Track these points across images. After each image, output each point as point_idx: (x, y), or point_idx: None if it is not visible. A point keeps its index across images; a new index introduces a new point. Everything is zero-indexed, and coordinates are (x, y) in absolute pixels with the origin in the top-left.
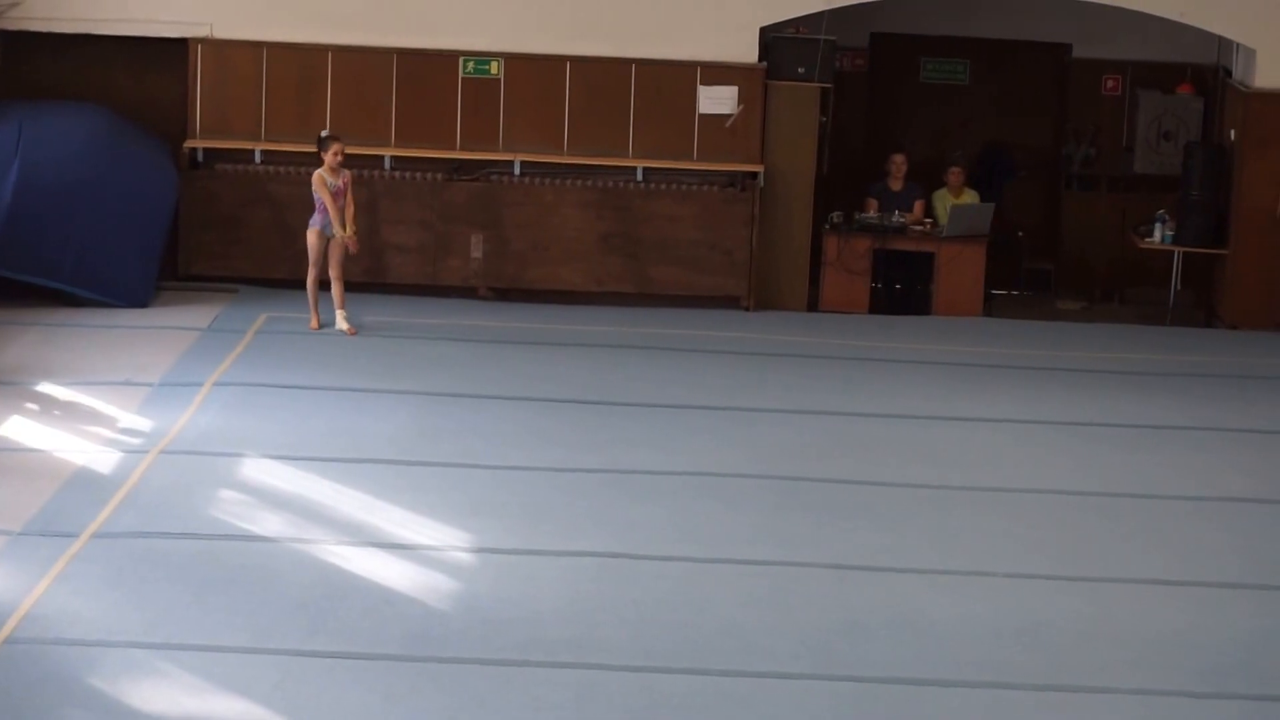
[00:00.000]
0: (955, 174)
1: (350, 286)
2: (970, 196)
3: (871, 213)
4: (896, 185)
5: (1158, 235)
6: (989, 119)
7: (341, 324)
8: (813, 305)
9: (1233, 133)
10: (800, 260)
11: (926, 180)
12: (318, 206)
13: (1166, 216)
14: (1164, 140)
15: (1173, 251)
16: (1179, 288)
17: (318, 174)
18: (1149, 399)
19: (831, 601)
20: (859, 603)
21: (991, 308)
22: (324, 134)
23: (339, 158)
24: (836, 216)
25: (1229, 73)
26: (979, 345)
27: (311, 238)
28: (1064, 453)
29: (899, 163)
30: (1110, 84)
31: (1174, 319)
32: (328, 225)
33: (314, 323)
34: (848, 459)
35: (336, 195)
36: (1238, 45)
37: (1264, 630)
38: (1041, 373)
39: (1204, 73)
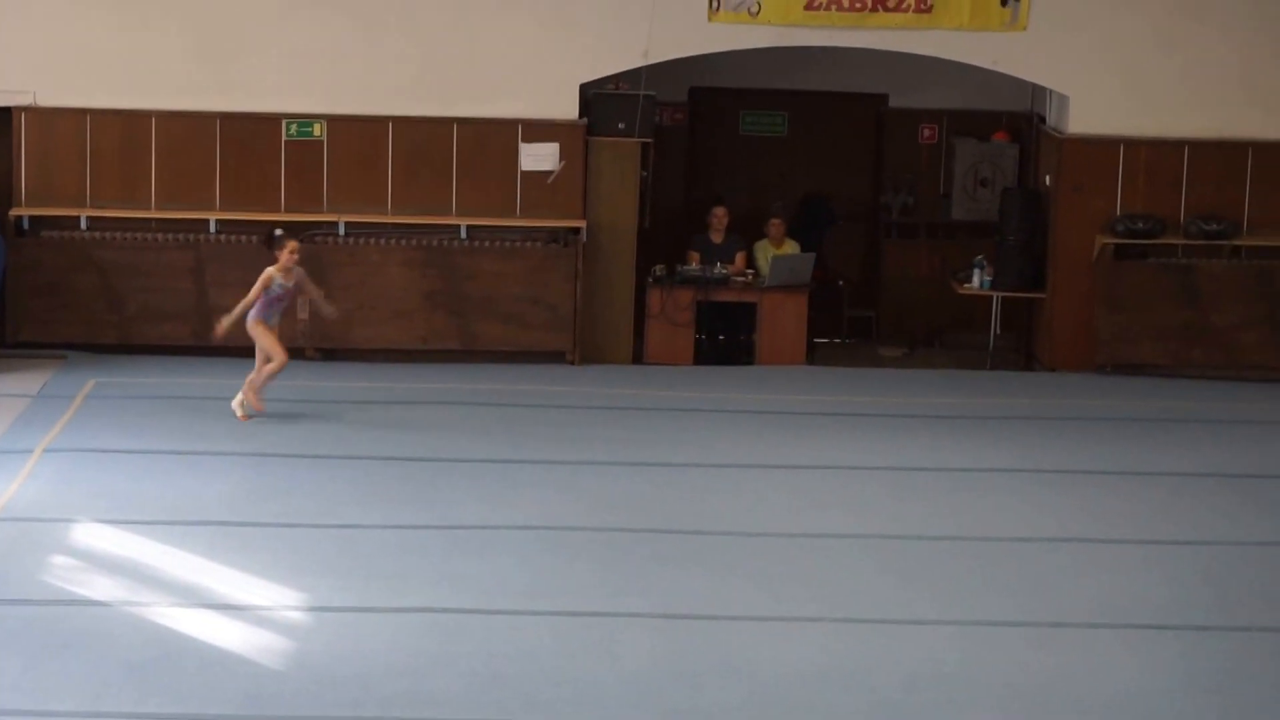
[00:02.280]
0: (776, 225)
1: (178, 350)
2: (791, 247)
3: (694, 265)
4: (718, 237)
5: (976, 281)
6: (808, 170)
7: (250, 405)
8: (638, 358)
9: (1048, 178)
10: (624, 314)
11: (748, 231)
12: (263, 299)
13: (984, 262)
14: (981, 187)
15: (991, 296)
16: (998, 332)
17: (268, 272)
18: (970, 443)
19: (662, 650)
20: (689, 650)
21: (814, 356)
22: (277, 233)
23: (294, 256)
24: (659, 269)
25: (1043, 119)
26: (802, 393)
27: (261, 330)
28: (887, 497)
29: (720, 215)
30: (927, 133)
31: (994, 363)
32: (270, 315)
33: (255, 403)
34: (675, 509)
35: (284, 295)
36: (1051, 92)
37: (1100, 669)
38: (864, 419)
39: (1019, 120)
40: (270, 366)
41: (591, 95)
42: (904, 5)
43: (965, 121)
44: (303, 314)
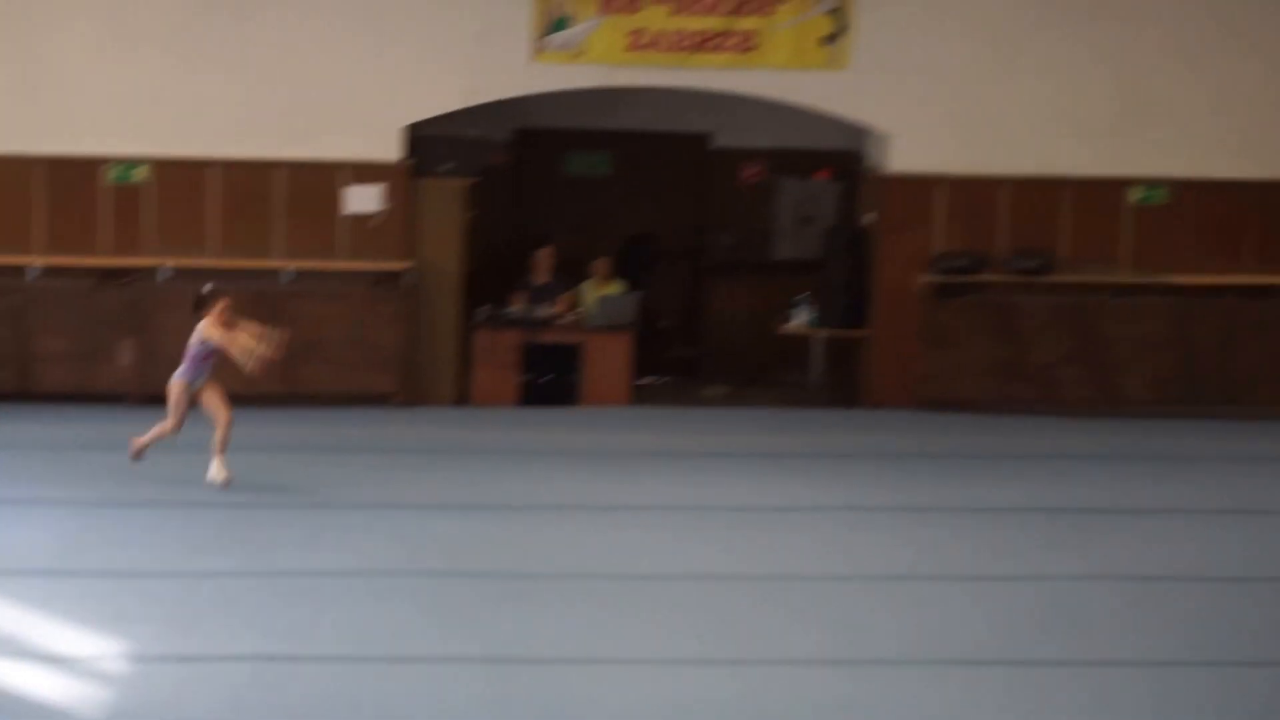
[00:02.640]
0: (600, 265)
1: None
2: (616, 287)
3: (519, 306)
4: (543, 278)
5: (800, 319)
6: (633, 209)
7: (221, 472)
8: (464, 399)
9: (869, 216)
10: (450, 355)
11: (573, 272)
12: (189, 357)
13: (807, 300)
14: (804, 225)
15: (814, 335)
16: (821, 370)
17: (203, 329)
18: (794, 481)
19: (489, 694)
20: (517, 694)
21: (638, 396)
22: (205, 289)
23: (226, 314)
24: (485, 311)
25: (865, 158)
26: (627, 433)
27: (178, 390)
28: (711, 537)
29: (545, 255)
30: (750, 172)
31: (817, 401)
32: (197, 376)
33: (137, 454)
34: (501, 551)
35: (212, 355)
36: (872, 131)
37: (922, 704)
38: (688, 458)
39: (841, 158)
40: (160, 429)
41: (416, 136)
42: (727, 45)
43: (788, 160)
44: (125, 359)
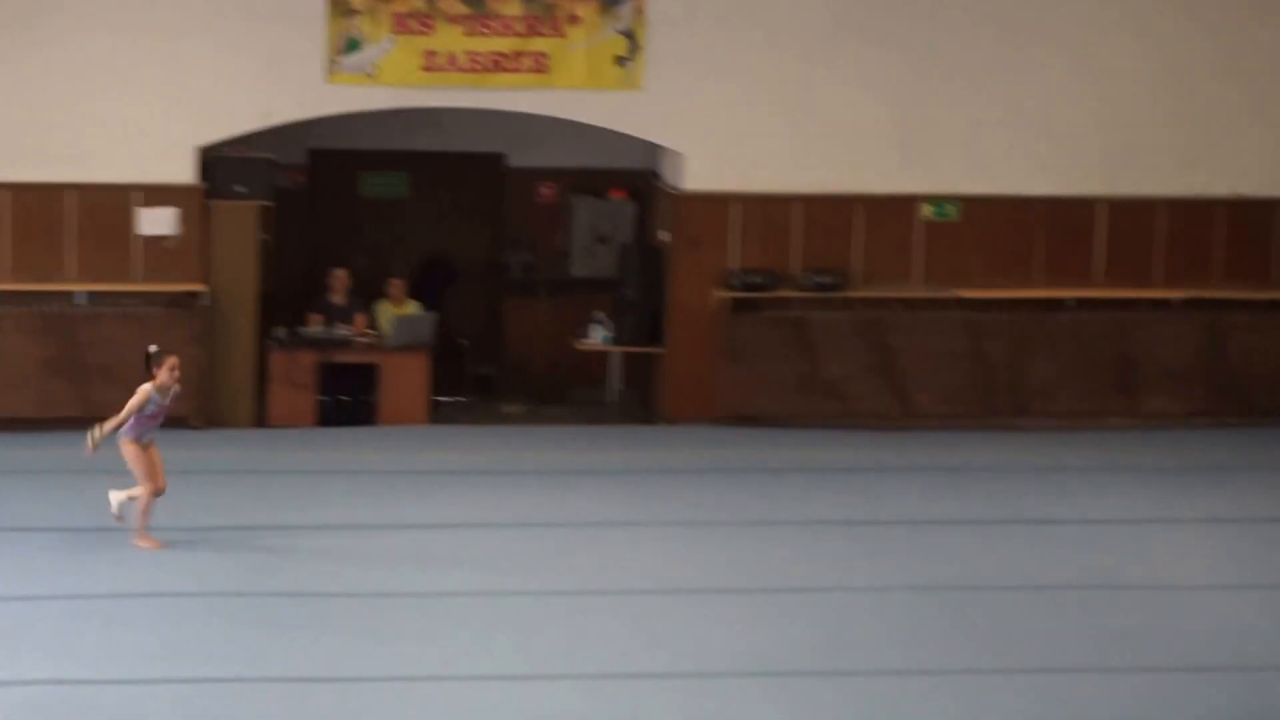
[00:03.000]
0: (396, 285)
1: None
2: (412, 307)
3: (315, 327)
4: (339, 299)
5: (596, 336)
6: (429, 230)
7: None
8: (261, 421)
9: (664, 234)
10: (246, 377)
11: (369, 293)
12: (136, 416)
13: (604, 318)
14: (600, 244)
15: (612, 352)
16: (620, 387)
17: (145, 389)
18: (592, 497)
19: (286, 713)
20: (314, 714)
21: (437, 415)
22: (152, 349)
23: (175, 374)
24: (281, 332)
25: (659, 176)
26: (425, 452)
27: (133, 451)
28: (510, 554)
29: (341, 277)
30: (545, 191)
31: (615, 418)
32: (144, 434)
33: (147, 540)
34: (297, 572)
35: (159, 413)
36: (666, 150)
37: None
38: (487, 476)
39: (636, 177)
40: (140, 498)
41: (210, 158)
42: (521, 66)
43: (584, 180)
44: None
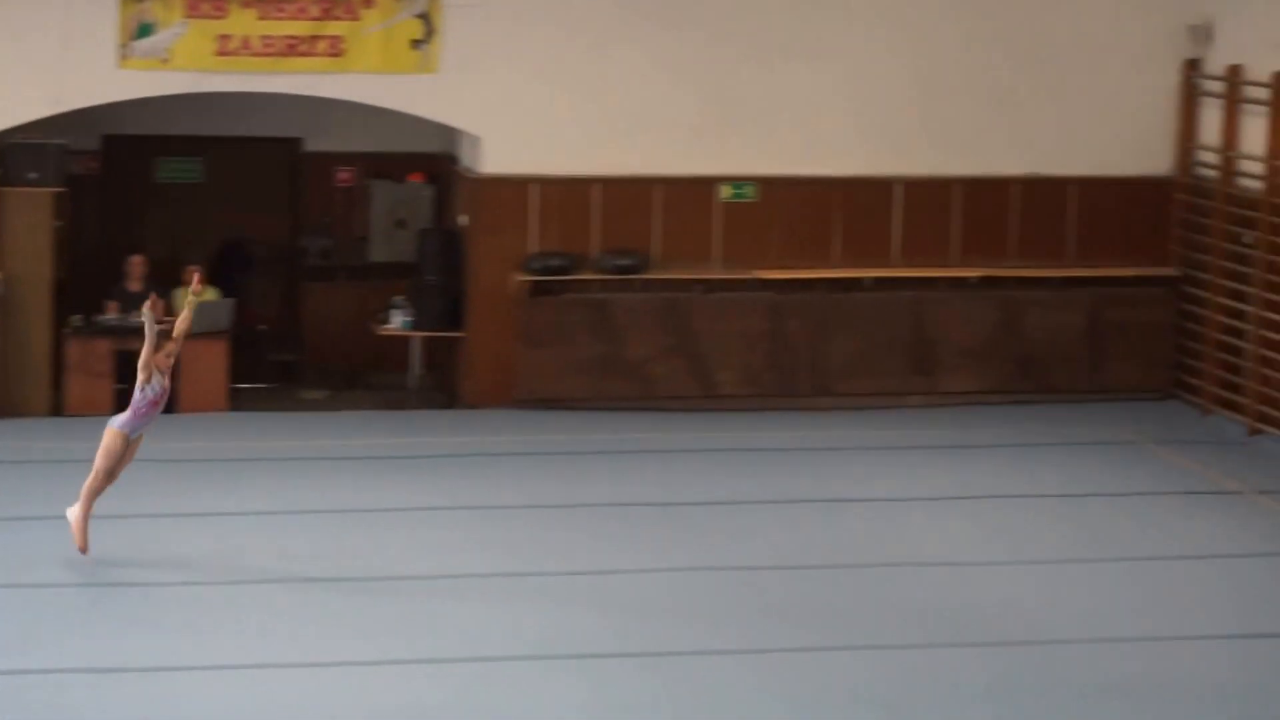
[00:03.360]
0: (191, 271)
1: None
2: (210, 293)
3: (112, 315)
4: (135, 286)
5: (396, 321)
6: (226, 215)
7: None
8: (57, 410)
9: (463, 218)
10: (42, 365)
11: (167, 279)
12: (135, 405)
13: (404, 302)
14: (398, 228)
15: (413, 336)
16: (420, 372)
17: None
18: (394, 482)
19: (81, 701)
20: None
21: (237, 402)
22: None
23: (170, 360)
24: (77, 320)
25: (457, 160)
26: (225, 440)
27: (117, 441)
28: (311, 539)
29: (137, 264)
30: (343, 176)
31: (416, 403)
32: (140, 426)
33: (83, 544)
34: (89, 562)
35: (159, 399)
36: (464, 134)
37: (517, 700)
38: (287, 463)
39: (434, 161)
40: (93, 484)
41: (2, 145)
42: (316, 50)
43: (382, 164)
44: None
